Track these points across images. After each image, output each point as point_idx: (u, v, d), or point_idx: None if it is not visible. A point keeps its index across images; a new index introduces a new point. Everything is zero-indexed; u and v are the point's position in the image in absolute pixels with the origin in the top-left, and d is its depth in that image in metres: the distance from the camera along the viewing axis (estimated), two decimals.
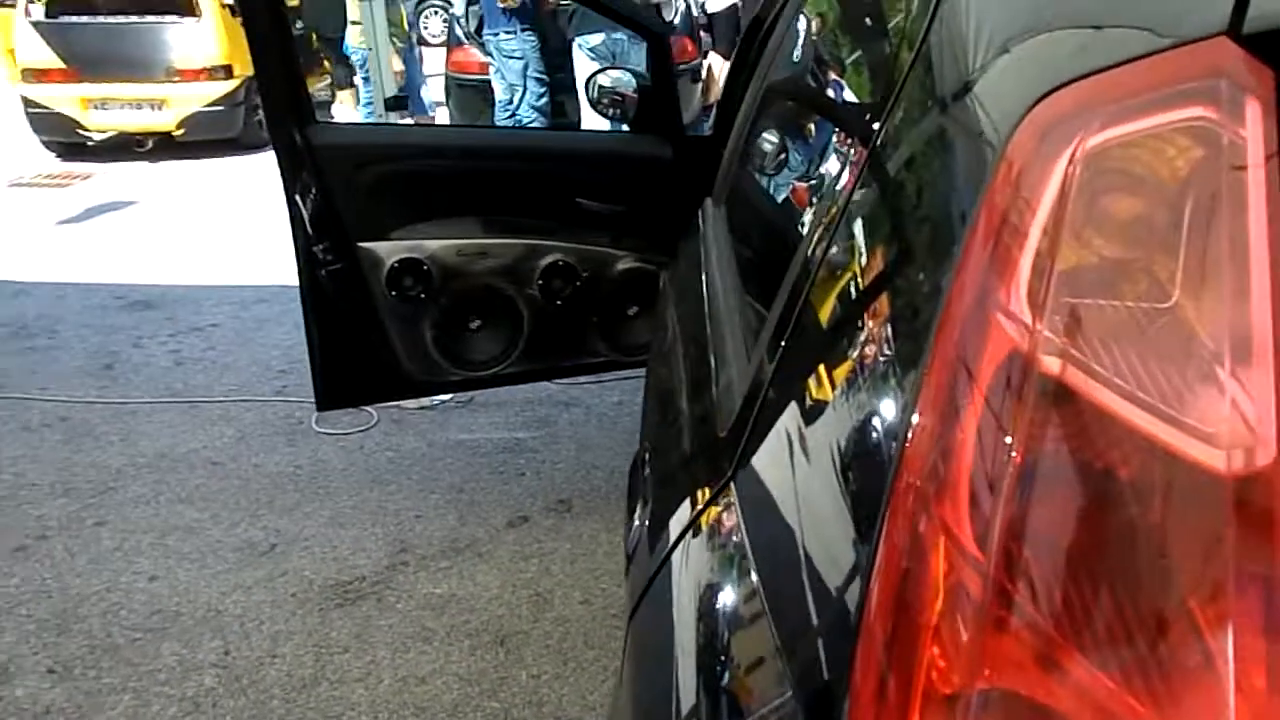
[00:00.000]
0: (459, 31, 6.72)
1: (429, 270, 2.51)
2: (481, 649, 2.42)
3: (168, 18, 7.66)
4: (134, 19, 7.68)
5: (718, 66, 7.79)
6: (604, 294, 2.63)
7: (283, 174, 2.38)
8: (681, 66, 5.73)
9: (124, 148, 7.73)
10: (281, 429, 3.52)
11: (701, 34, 7.50)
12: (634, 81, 2.65)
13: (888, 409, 0.70)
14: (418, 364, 2.62)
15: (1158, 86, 0.57)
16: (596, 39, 5.69)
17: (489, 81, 6.13)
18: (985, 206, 0.63)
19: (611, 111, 2.73)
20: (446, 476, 3.20)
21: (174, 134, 7.61)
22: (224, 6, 7.66)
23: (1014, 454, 0.55)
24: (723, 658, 0.85)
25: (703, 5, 7.89)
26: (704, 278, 1.64)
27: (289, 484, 3.17)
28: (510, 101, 6.08)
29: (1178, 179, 0.55)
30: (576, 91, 5.87)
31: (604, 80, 2.78)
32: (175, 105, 7.53)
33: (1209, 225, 0.53)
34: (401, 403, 3.51)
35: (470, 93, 6.37)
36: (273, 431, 3.50)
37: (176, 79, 7.55)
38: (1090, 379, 0.54)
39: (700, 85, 7.17)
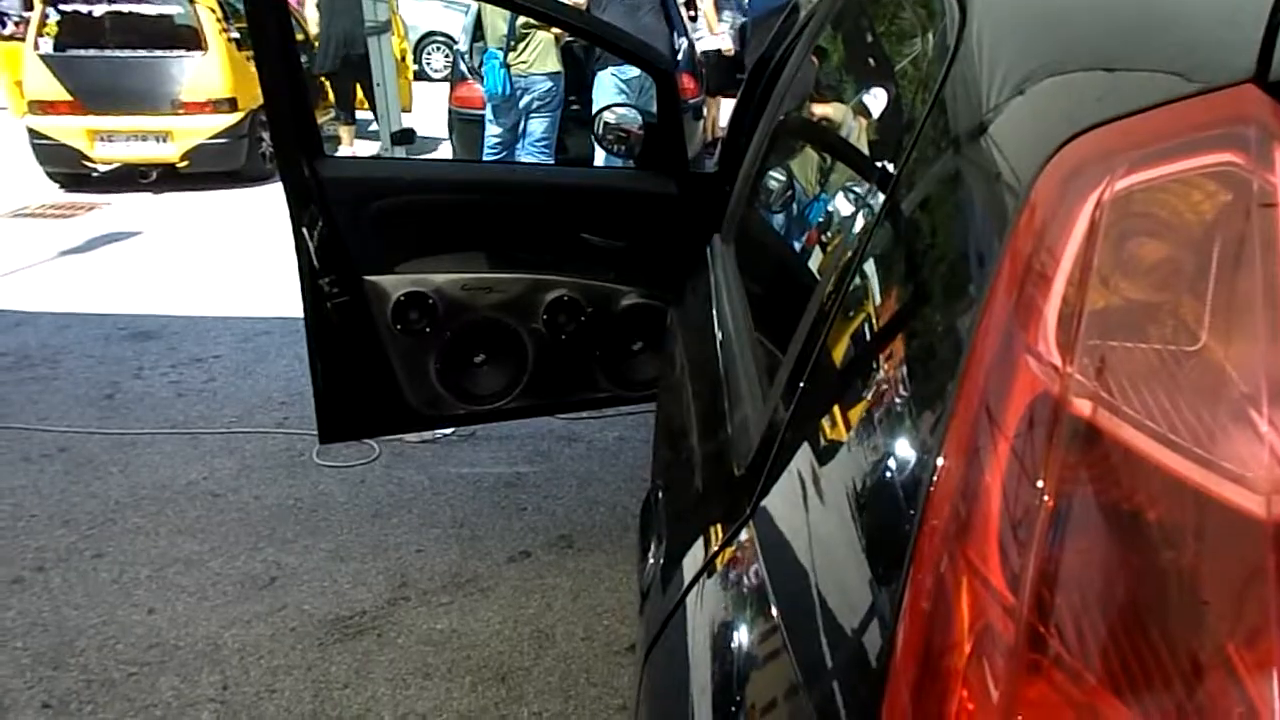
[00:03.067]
0: (462, 67, 6.78)
1: (434, 304, 2.52)
2: (483, 685, 2.40)
3: (174, 51, 7.74)
4: (141, 53, 7.76)
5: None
6: (608, 329, 2.63)
7: (290, 206, 2.38)
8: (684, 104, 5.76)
9: (128, 179, 7.77)
10: (283, 461, 3.50)
11: (703, 71, 7.58)
12: (639, 118, 2.68)
13: (912, 451, 0.70)
14: (421, 397, 2.61)
15: (1185, 132, 0.57)
16: (633, 71, 5.66)
17: None
18: (1010, 249, 0.63)
19: (617, 148, 2.75)
20: (448, 510, 3.18)
21: (178, 166, 7.66)
22: (230, 40, 7.74)
23: (1046, 497, 0.55)
24: (741, 698, 0.84)
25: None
26: (714, 315, 1.64)
27: (289, 517, 3.15)
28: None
29: (1205, 223, 0.55)
30: (584, 125, 5.89)
31: (609, 116, 2.80)
32: (180, 138, 7.59)
33: (1236, 269, 0.53)
34: (403, 436, 3.50)
35: (473, 127, 6.42)
36: (274, 464, 3.49)
37: (182, 111, 7.61)
38: (1121, 421, 0.54)
39: (702, 122, 7.23)
